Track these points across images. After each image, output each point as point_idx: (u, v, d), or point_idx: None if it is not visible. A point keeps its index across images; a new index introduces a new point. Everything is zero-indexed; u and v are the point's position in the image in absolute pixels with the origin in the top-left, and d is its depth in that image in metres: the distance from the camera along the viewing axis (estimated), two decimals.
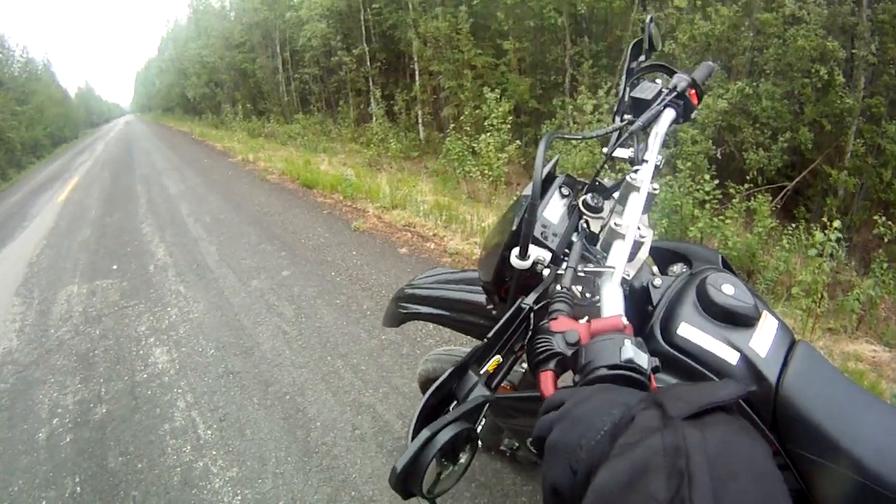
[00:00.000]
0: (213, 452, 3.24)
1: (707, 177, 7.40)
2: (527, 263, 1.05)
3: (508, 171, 10.46)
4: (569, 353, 0.83)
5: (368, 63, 22.64)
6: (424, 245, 6.15)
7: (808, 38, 9.63)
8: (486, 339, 0.88)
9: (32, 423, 3.93)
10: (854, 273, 7.70)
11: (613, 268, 1.00)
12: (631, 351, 0.76)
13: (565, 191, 1.26)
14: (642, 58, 1.56)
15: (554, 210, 1.19)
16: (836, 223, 5.68)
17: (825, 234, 5.54)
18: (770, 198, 8.06)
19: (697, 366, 0.98)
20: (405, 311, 2.10)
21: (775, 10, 10.45)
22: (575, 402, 0.67)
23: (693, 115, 1.47)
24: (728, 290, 1.02)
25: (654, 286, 1.15)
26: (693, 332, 1.00)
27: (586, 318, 0.90)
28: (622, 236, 1.05)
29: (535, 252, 1.07)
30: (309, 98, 26.98)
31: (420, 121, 20.56)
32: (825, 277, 5.44)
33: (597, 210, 1.20)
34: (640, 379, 0.74)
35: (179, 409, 3.73)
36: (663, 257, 1.29)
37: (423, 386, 2.42)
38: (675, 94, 1.39)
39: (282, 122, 25.40)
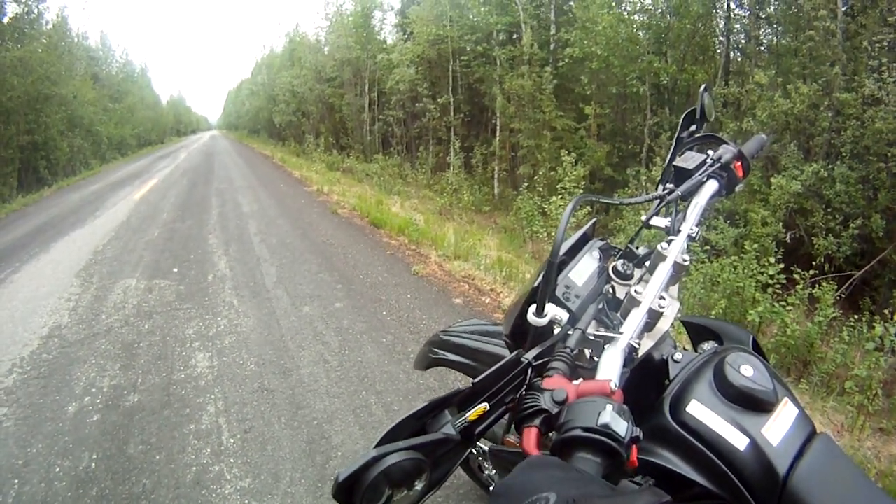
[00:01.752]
0: (231, 460, 3.23)
1: (772, 260, 7.26)
2: (543, 321, 1.02)
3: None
4: (554, 411, 0.83)
5: (452, 113, 22.92)
6: (480, 298, 6.11)
7: (887, 120, 9.40)
8: (472, 383, 0.87)
9: (65, 396, 4.01)
10: None
11: (620, 334, 0.98)
12: (608, 416, 0.75)
13: (596, 254, 1.25)
14: (693, 128, 1.54)
15: (582, 272, 1.18)
16: None
17: (885, 328, 5.38)
18: (836, 286, 7.81)
19: (702, 447, 0.94)
20: (434, 356, 2.12)
21: (855, 90, 10.29)
22: (511, 479, 0.68)
23: (737, 189, 1.46)
24: (747, 371, 0.97)
25: (675, 360, 1.10)
26: (703, 411, 0.96)
27: (581, 380, 0.90)
28: (638, 304, 1.04)
29: (552, 311, 1.05)
30: (390, 140, 27.40)
31: (496, 176, 20.69)
32: (881, 373, 5.27)
33: (626, 277, 1.20)
34: (612, 446, 0.74)
35: (208, 413, 3.73)
36: (697, 333, 1.25)
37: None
38: (718, 165, 1.38)
39: (361, 159, 25.72)
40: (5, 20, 23.30)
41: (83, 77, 35.26)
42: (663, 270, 1.09)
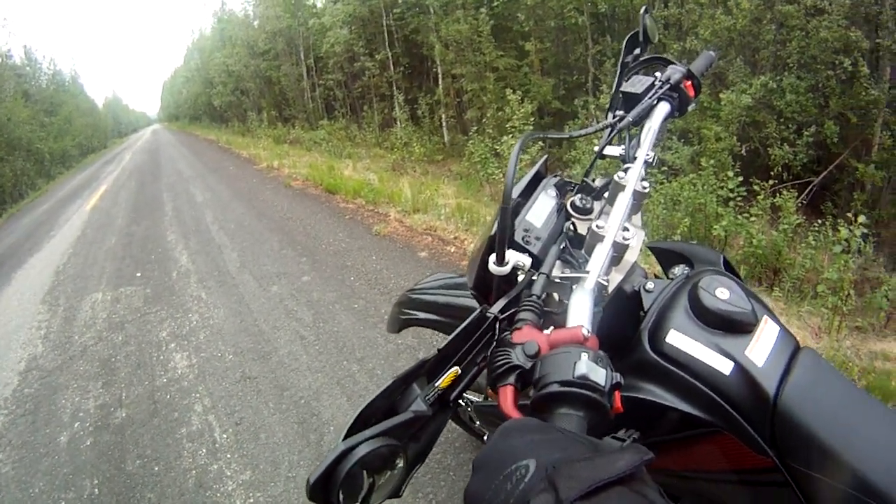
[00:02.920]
0: (228, 456, 3.27)
1: (730, 174, 7.31)
2: (505, 269, 0.99)
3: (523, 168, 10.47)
4: (528, 365, 0.79)
5: (392, 68, 22.75)
6: (445, 248, 6.15)
7: (831, 29, 9.46)
8: (437, 350, 0.84)
9: (55, 427, 4.00)
10: (883, 269, 7.51)
11: (587, 273, 0.96)
12: (585, 366, 0.72)
13: (552, 192, 1.21)
14: (638, 51, 1.51)
15: (539, 212, 1.14)
16: (862, 218, 5.59)
17: (850, 230, 5.47)
18: (796, 194, 7.88)
19: (687, 376, 0.93)
20: (405, 317, 2.10)
21: (797, 2, 10.26)
22: (489, 448, 0.65)
23: (690, 108, 1.43)
24: (722, 294, 0.96)
25: (647, 290, 1.09)
26: (683, 339, 0.95)
27: (551, 328, 0.88)
28: (602, 239, 1.00)
29: (514, 257, 1.01)
30: (333, 104, 27.11)
31: (444, 124, 20.63)
32: (851, 274, 5.36)
33: (585, 212, 1.17)
34: (593, 397, 0.71)
35: (197, 412, 3.76)
36: (666, 259, 1.23)
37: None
38: (668, 86, 1.36)
39: (307, 128, 25.54)
40: None
41: (14, 97, 34.41)
42: (623, 200, 1.06)
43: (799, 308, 4.80)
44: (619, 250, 1.01)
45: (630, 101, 1.35)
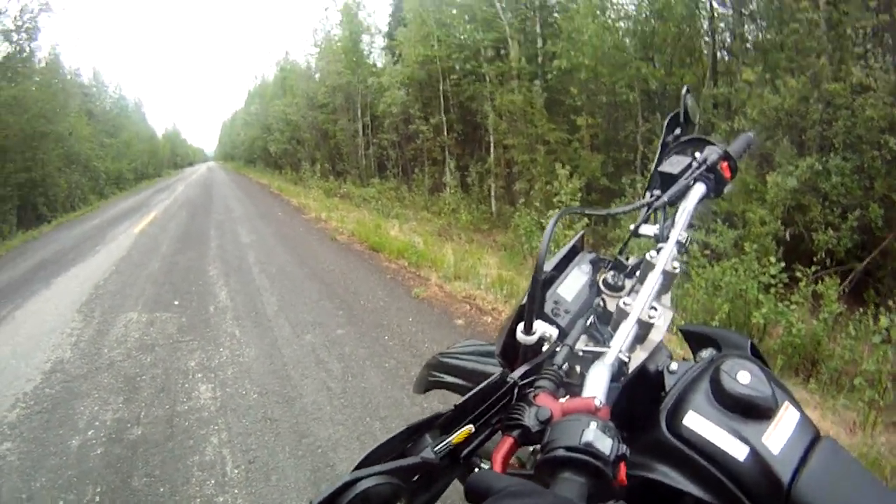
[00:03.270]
0: (236, 491, 3.22)
1: (773, 259, 7.21)
2: (532, 339, 1.01)
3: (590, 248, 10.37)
4: (535, 428, 0.81)
5: (445, 133, 22.95)
6: (482, 318, 6.11)
7: (877, 107, 9.30)
8: (454, 406, 0.86)
9: (68, 430, 4.02)
10: None
11: (608, 349, 0.97)
12: (592, 434, 0.74)
13: (586, 268, 1.23)
14: (678, 131, 1.52)
15: (571, 287, 1.17)
16: None
17: (891, 319, 5.35)
18: (839, 281, 7.69)
19: (701, 459, 0.89)
20: (432, 379, 2.09)
21: (844, 80, 10.19)
22: None
23: (727, 190, 1.42)
24: (744, 378, 0.92)
25: (670, 371, 1.06)
26: (700, 422, 0.92)
27: (567, 397, 0.90)
28: (626, 315, 1.01)
29: (542, 327, 1.03)
30: (386, 163, 27.56)
31: (493, 193, 20.64)
32: (890, 366, 5.22)
33: (617, 289, 1.18)
34: (596, 465, 0.72)
35: (212, 444, 3.73)
36: (696, 342, 1.17)
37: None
38: (704, 167, 1.35)
39: (358, 184, 25.84)
40: None
41: (78, 113, 35.27)
42: (652, 279, 1.07)
43: (835, 401, 4.67)
44: (644, 329, 1.02)
45: (667, 181, 1.37)
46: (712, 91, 13.73)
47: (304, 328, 6.01)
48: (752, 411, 0.91)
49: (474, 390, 0.88)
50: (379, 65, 29.07)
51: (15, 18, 23.96)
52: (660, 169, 1.40)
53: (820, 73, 10.67)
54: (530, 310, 0.99)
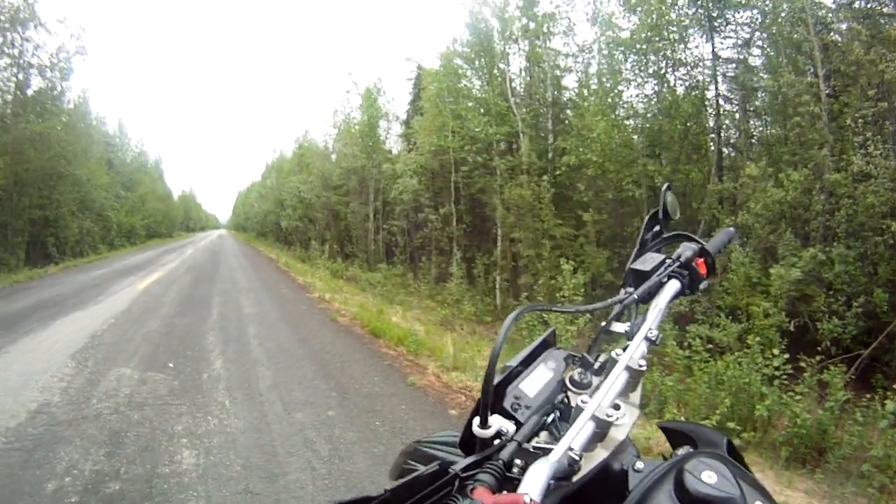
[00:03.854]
0: None
1: (776, 351, 7.16)
2: (488, 433, 0.98)
3: (577, 344, 10.27)
4: None
5: (454, 223, 23.22)
6: None
7: (878, 192, 9.45)
8: (385, 490, 0.84)
9: (45, 472, 4.00)
10: None
11: (552, 447, 0.92)
12: None
13: (553, 364, 1.20)
14: (657, 228, 1.52)
15: (535, 382, 1.14)
16: None
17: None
18: (845, 368, 7.71)
19: None
20: (406, 467, 2.09)
21: (844, 169, 10.38)
22: None
23: (702, 287, 1.40)
24: (709, 478, 0.86)
25: (635, 470, 1.02)
26: None
27: (505, 492, 0.87)
28: (581, 412, 0.98)
29: (499, 423, 1.00)
30: (394, 249, 27.85)
31: (497, 286, 20.72)
32: None
33: (583, 386, 1.14)
34: None
35: None
36: (675, 439, 1.18)
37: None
38: (678, 264, 1.35)
39: (365, 268, 26.01)
40: (29, 93, 23.99)
41: (98, 161, 36.05)
42: (613, 377, 1.04)
43: (843, 490, 4.57)
44: (603, 427, 0.98)
45: (639, 277, 1.35)
46: (717, 187, 13.95)
47: (296, 406, 5.96)
48: None
49: (410, 477, 0.87)
50: (394, 151, 29.77)
51: (51, 56, 24.62)
52: (632, 266, 1.40)
53: (822, 164, 10.98)
54: (484, 404, 0.97)
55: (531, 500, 0.77)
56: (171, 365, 7.29)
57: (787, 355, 7.12)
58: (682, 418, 6.81)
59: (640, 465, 1.02)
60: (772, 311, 9.73)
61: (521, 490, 0.82)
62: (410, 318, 12.56)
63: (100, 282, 15.98)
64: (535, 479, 0.84)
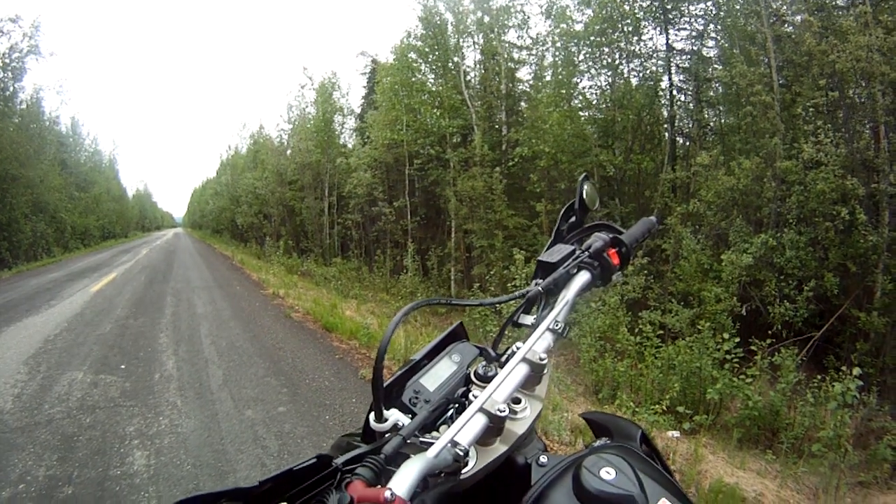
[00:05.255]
0: None
1: (726, 335, 7.35)
2: (384, 426, 0.99)
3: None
4: None
5: (408, 216, 23.39)
6: None
7: (828, 179, 9.73)
8: (259, 482, 0.78)
9: None
10: (889, 418, 7.11)
11: (433, 441, 0.88)
12: None
13: (457, 357, 1.21)
14: (574, 219, 1.50)
15: (437, 376, 1.14)
16: (856, 370, 5.58)
17: (845, 384, 5.44)
18: (796, 351, 7.90)
19: None
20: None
21: (795, 157, 10.62)
22: None
23: (615, 278, 1.36)
24: (607, 474, 0.86)
25: (539, 464, 1.02)
26: None
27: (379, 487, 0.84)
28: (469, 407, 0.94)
29: (396, 416, 1.01)
30: (349, 243, 28.06)
31: (452, 278, 20.92)
32: (849, 429, 5.29)
33: (487, 380, 1.11)
34: None
35: None
36: (596, 429, 1.17)
37: None
38: (586, 255, 1.32)
39: (320, 263, 26.08)
40: None
41: (51, 162, 35.24)
42: (508, 369, 1.01)
43: (795, 469, 4.75)
44: (496, 421, 0.93)
45: (547, 269, 1.33)
46: (670, 175, 14.18)
47: (246, 403, 6.04)
48: None
49: (282, 470, 0.82)
50: (349, 145, 29.74)
51: (3, 55, 24.12)
52: (540, 258, 1.37)
53: (774, 152, 11.23)
54: (376, 398, 0.98)
55: (393, 494, 0.77)
56: (122, 367, 7.32)
57: (738, 339, 7.31)
58: (632, 403, 6.96)
59: (543, 459, 1.03)
60: (723, 296, 9.94)
61: (389, 484, 0.80)
62: (364, 312, 12.61)
63: (53, 286, 15.79)
64: (406, 474, 0.82)
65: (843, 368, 6.39)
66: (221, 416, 5.67)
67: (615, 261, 1.35)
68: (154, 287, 15.81)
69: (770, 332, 9.23)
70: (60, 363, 7.36)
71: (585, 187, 1.49)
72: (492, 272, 16.82)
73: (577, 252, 1.35)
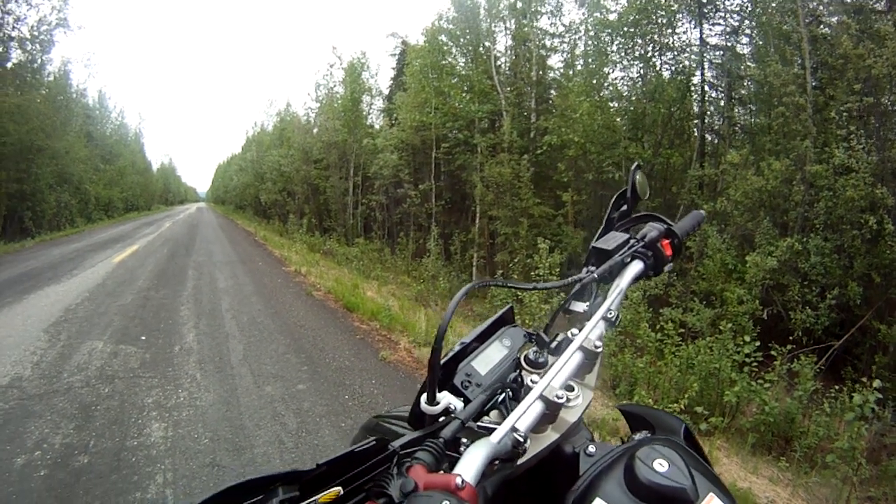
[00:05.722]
0: None
1: (747, 338, 7.26)
2: (436, 409, 0.98)
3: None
4: (397, 499, 0.75)
5: (433, 200, 23.44)
6: None
7: (858, 187, 9.59)
8: (317, 464, 0.78)
9: (15, 448, 4.02)
10: None
11: (496, 427, 0.87)
12: None
13: (508, 342, 1.18)
14: (625, 208, 1.47)
15: (488, 360, 1.12)
16: (876, 383, 5.52)
17: (864, 396, 5.37)
18: (815, 359, 7.85)
19: None
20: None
21: (826, 161, 10.52)
22: None
23: (667, 269, 1.37)
24: (660, 466, 0.82)
25: (587, 453, 0.97)
26: None
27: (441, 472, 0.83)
28: (529, 392, 0.93)
29: (448, 399, 0.99)
30: (372, 224, 28.11)
31: (474, 263, 20.92)
32: (864, 443, 5.23)
33: (538, 366, 1.09)
34: None
35: (156, 483, 3.71)
36: (633, 422, 1.11)
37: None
38: (642, 244, 1.31)
39: (343, 242, 26.08)
40: (9, 66, 23.65)
41: (77, 134, 35.49)
42: (566, 357, 1.00)
43: (807, 479, 4.67)
44: (552, 408, 0.92)
45: (602, 257, 1.30)
46: (698, 172, 14.07)
47: (266, 379, 6.00)
48: (666, 502, 0.81)
49: (345, 451, 0.82)
50: (376, 126, 29.76)
51: (32, 28, 24.25)
52: (595, 245, 1.35)
53: (804, 155, 11.13)
54: (432, 380, 0.96)
55: (463, 481, 0.76)
56: (143, 338, 7.30)
57: (758, 343, 7.22)
58: (651, 401, 6.88)
59: (592, 448, 0.99)
60: (746, 298, 9.81)
61: (456, 470, 0.80)
62: (385, 293, 12.56)
63: (75, 255, 15.89)
64: (472, 460, 0.82)
65: (864, 380, 6.30)
66: (241, 391, 5.63)
67: (668, 252, 1.35)
68: (176, 260, 15.87)
69: (790, 337, 9.05)
70: (81, 332, 7.35)
71: (637, 177, 1.46)
72: (515, 260, 16.75)
73: (633, 241, 1.33)
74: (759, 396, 6.54)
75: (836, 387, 6.84)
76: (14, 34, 23.54)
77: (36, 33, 24.49)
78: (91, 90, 45.78)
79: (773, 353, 7.38)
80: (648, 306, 10.12)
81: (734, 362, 7.18)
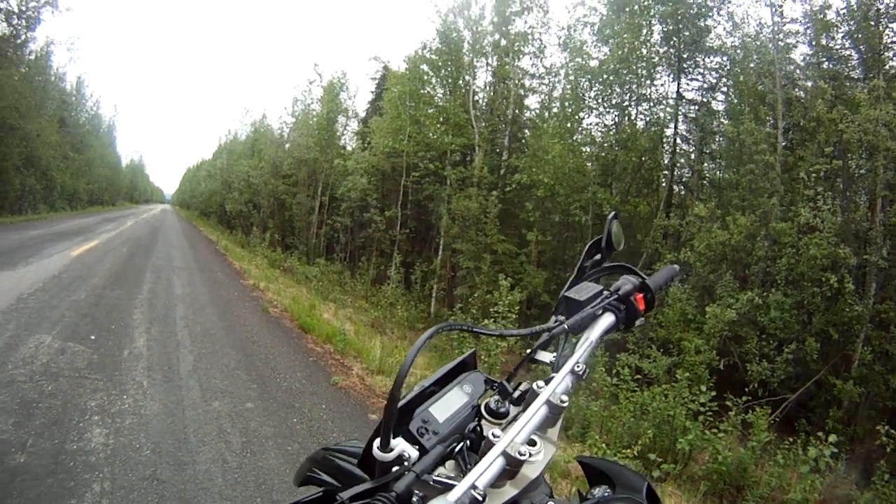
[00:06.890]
0: None
1: (703, 388, 7.39)
2: (389, 456, 0.91)
3: (506, 360, 10.21)
4: None
5: (398, 227, 23.56)
6: None
7: (821, 246, 9.84)
8: None
9: None
10: (853, 486, 7.27)
11: (454, 484, 0.83)
12: None
13: (469, 388, 1.14)
14: (598, 257, 1.46)
15: (447, 406, 1.08)
16: (832, 438, 5.63)
17: (819, 450, 5.43)
18: (770, 410, 8.01)
19: None
20: (309, 474, 2.04)
21: (791, 220, 10.79)
22: None
23: (638, 323, 1.32)
24: None
25: None
26: None
27: None
28: (490, 447, 0.90)
29: (402, 446, 0.93)
30: (335, 246, 28.04)
31: (434, 294, 20.97)
32: (817, 495, 5.27)
33: (498, 416, 1.08)
34: None
35: (93, 492, 3.61)
36: (593, 476, 1.11)
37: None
38: (615, 297, 1.28)
39: (304, 261, 25.93)
40: None
41: (50, 118, 35.24)
42: (531, 412, 0.97)
43: None
44: (514, 464, 0.89)
45: (573, 307, 1.28)
46: (664, 222, 14.36)
47: (214, 394, 5.91)
48: None
49: (295, 501, 0.83)
50: (349, 148, 29.90)
51: (20, 2, 24.05)
52: (566, 294, 1.32)
53: (770, 212, 11.43)
54: (386, 426, 0.91)
55: None
56: (92, 337, 7.16)
57: (714, 392, 7.35)
58: (604, 445, 6.91)
59: None
60: (703, 349, 10.04)
61: None
62: (342, 317, 12.52)
63: (33, 243, 15.63)
64: None
65: (819, 434, 6.45)
66: (187, 403, 5.54)
67: (641, 306, 1.32)
68: (135, 261, 15.65)
69: (746, 389, 9.35)
70: (30, 323, 7.21)
71: (613, 227, 1.47)
72: (475, 294, 16.75)
73: (605, 293, 1.30)
74: (712, 445, 6.62)
75: (790, 438, 7.03)
76: (2, 6, 23.34)
77: (24, 7, 24.31)
78: (70, 75, 45.54)
79: (728, 403, 7.50)
80: (605, 350, 10.17)
81: (689, 410, 7.29)
